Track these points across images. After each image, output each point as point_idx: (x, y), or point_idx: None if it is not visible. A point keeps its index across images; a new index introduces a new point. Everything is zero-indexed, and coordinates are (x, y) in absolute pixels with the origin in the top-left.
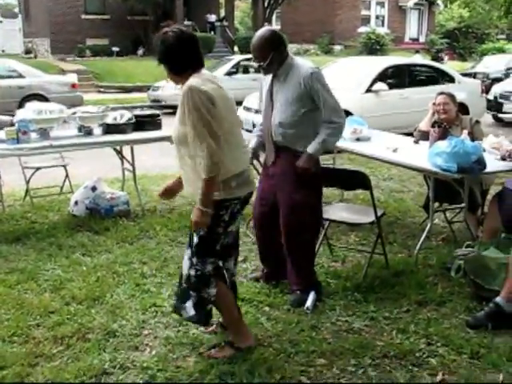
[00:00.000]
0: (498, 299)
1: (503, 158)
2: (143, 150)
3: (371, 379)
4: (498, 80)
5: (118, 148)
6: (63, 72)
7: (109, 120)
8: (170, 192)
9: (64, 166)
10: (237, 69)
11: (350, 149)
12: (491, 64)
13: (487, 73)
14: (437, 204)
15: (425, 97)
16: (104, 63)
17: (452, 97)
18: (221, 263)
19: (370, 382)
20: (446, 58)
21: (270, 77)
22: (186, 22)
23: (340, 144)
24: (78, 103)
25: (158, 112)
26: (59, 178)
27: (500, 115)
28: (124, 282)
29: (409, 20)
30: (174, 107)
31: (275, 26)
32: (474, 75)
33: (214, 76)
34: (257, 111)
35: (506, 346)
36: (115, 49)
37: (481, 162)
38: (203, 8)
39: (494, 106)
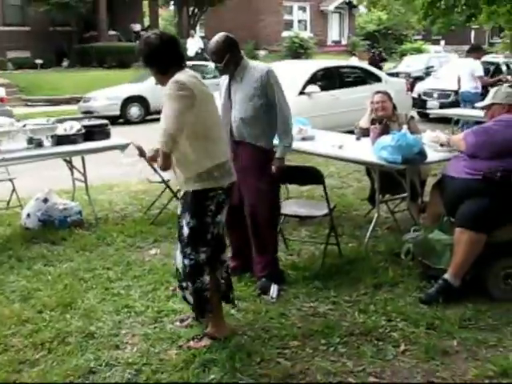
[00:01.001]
0: (446, 276)
1: (442, 145)
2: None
3: (342, 355)
4: (419, 79)
5: (67, 159)
6: None
7: (59, 131)
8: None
9: (11, 180)
10: None
11: (296, 148)
12: (412, 64)
13: (409, 72)
14: (380, 196)
15: (354, 97)
16: (29, 76)
17: (388, 95)
18: (221, 256)
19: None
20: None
21: (227, 78)
22: (110, 33)
23: None
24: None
25: (106, 121)
26: (4, 192)
27: (425, 111)
28: (92, 288)
29: (330, 23)
30: (108, 118)
31: (199, 33)
32: (396, 75)
33: (196, 74)
34: None
35: (456, 316)
36: (39, 61)
37: (422, 153)
38: (127, 18)
39: (419, 104)
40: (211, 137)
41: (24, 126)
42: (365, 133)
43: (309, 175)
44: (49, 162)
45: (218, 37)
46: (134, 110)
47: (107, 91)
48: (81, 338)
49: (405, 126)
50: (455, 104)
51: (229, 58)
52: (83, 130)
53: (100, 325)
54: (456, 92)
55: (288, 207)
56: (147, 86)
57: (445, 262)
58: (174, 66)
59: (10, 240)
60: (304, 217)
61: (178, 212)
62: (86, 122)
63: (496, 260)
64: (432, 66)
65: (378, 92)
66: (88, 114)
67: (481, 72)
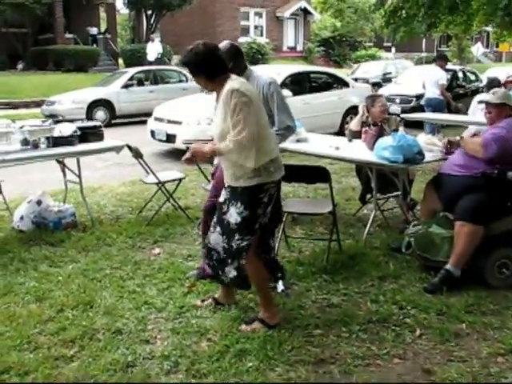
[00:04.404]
0: (448, 266)
1: (450, 145)
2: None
3: (364, 341)
4: (377, 84)
5: (61, 160)
6: None
7: (55, 133)
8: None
9: None
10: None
11: (295, 149)
12: (369, 70)
13: (367, 78)
14: (369, 195)
15: (324, 101)
16: None
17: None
18: (268, 241)
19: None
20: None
21: None
22: (67, 35)
23: (285, 145)
24: None
25: (99, 123)
26: None
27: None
28: (106, 287)
29: (286, 30)
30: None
31: (156, 38)
32: (355, 81)
33: (244, 80)
34: (170, 121)
35: (460, 303)
36: None
37: (421, 153)
38: (84, 21)
39: None
40: (265, 135)
41: (21, 127)
42: (356, 135)
43: (316, 174)
44: (30, 166)
45: (222, 45)
46: (100, 114)
47: (72, 95)
48: (109, 335)
49: (401, 128)
50: (416, 109)
51: (232, 66)
52: (78, 132)
53: (125, 321)
54: (417, 97)
55: (291, 205)
56: (113, 89)
57: (443, 254)
58: (222, 72)
59: (7, 242)
60: (309, 214)
61: (222, 199)
62: (81, 124)
63: (492, 251)
64: (389, 73)
65: (377, 96)
66: (52, 117)
67: (444, 81)
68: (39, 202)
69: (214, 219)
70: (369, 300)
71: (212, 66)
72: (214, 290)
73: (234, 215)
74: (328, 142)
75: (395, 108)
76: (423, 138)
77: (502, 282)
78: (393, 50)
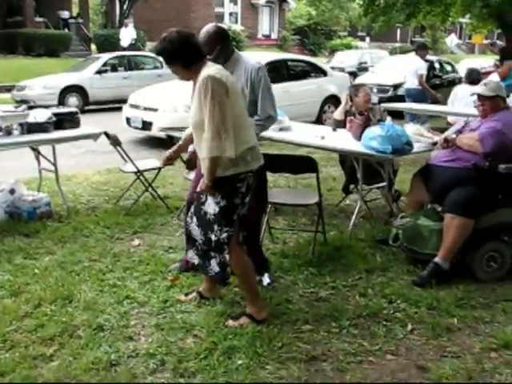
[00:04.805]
0: (437, 259)
1: (447, 142)
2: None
3: (355, 336)
4: (352, 74)
5: (35, 147)
6: None
7: (30, 119)
8: (171, 159)
9: None
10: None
11: (279, 138)
12: (345, 59)
13: (343, 67)
14: (352, 186)
15: (303, 89)
16: None
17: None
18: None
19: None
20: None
21: None
22: (37, 19)
23: (268, 134)
24: None
25: (76, 109)
26: None
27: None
28: (85, 280)
29: (261, 17)
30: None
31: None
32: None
33: (220, 66)
34: (146, 108)
35: (450, 296)
36: None
37: (410, 144)
38: (55, 4)
39: None
40: (242, 123)
41: None
42: (339, 124)
43: (303, 164)
44: (2, 154)
45: (209, 27)
46: (73, 100)
47: (43, 80)
48: (90, 331)
49: (389, 118)
50: (393, 99)
51: (219, 49)
52: (54, 118)
53: (106, 317)
54: (394, 87)
55: (276, 196)
56: (86, 75)
57: (431, 246)
58: (197, 59)
59: None
60: (296, 205)
61: (199, 189)
62: (56, 110)
63: (480, 244)
64: (365, 62)
65: (361, 85)
66: (24, 103)
67: (424, 71)
68: (12, 191)
69: (191, 210)
70: (357, 294)
71: (188, 54)
72: (198, 284)
73: (211, 205)
74: (312, 130)
75: (372, 97)
76: (411, 129)
77: (489, 275)
78: (367, 39)
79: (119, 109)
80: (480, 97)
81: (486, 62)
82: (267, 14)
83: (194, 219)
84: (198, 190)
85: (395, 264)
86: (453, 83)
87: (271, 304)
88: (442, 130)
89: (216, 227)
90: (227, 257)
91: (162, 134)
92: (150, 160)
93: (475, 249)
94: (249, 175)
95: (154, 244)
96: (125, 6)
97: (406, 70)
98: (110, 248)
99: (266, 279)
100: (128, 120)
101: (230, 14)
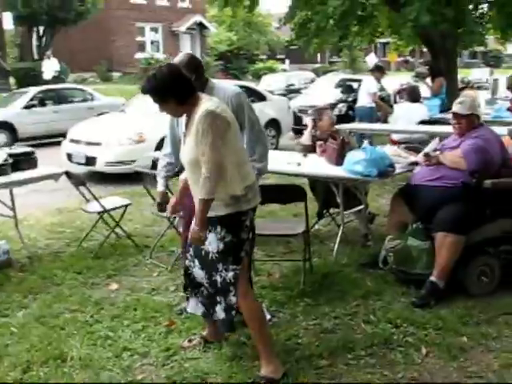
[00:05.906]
0: (433, 278)
1: (427, 159)
2: None
3: (374, 366)
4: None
5: None
6: None
7: None
8: (177, 205)
9: None
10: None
11: None
12: (272, 83)
13: (271, 90)
14: (325, 210)
15: None
16: None
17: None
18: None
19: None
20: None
21: None
22: None
23: None
24: None
25: (32, 149)
26: None
27: (301, 127)
28: (73, 334)
29: (182, 44)
30: None
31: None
32: None
33: (218, 99)
34: (88, 143)
35: (452, 315)
36: None
37: (392, 165)
38: None
39: (294, 120)
40: (241, 160)
41: None
42: (309, 149)
43: (293, 193)
44: None
45: (182, 57)
46: (1, 138)
47: None
48: None
49: (366, 141)
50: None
51: (195, 78)
52: (10, 160)
53: (109, 374)
54: (330, 107)
55: (262, 227)
56: (12, 111)
57: (421, 266)
58: (191, 93)
59: None
60: (284, 235)
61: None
62: (10, 151)
63: (471, 260)
64: (293, 84)
65: (324, 109)
66: None
67: (375, 89)
68: None
69: (191, 252)
70: (361, 321)
71: (181, 89)
72: (196, 327)
73: (213, 243)
74: (282, 157)
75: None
76: (389, 150)
77: (482, 289)
78: (286, 61)
79: (53, 144)
80: (456, 115)
81: (404, 79)
82: (188, 41)
83: (196, 262)
84: (189, 242)
85: (388, 287)
86: (382, 100)
87: (280, 340)
88: (417, 150)
89: (221, 266)
90: (233, 299)
91: (108, 169)
92: (113, 198)
93: (466, 265)
94: (250, 212)
95: (133, 287)
96: (44, 38)
97: (359, 89)
98: (88, 295)
99: (266, 315)
100: (69, 156)
101: (152, 43)
